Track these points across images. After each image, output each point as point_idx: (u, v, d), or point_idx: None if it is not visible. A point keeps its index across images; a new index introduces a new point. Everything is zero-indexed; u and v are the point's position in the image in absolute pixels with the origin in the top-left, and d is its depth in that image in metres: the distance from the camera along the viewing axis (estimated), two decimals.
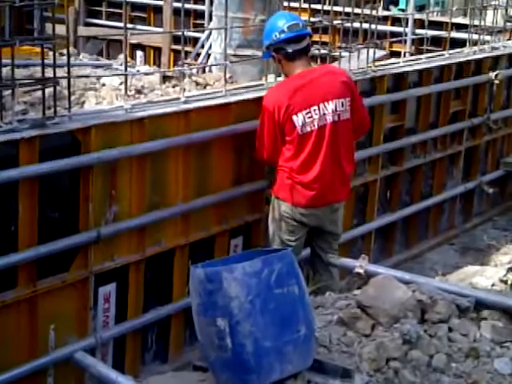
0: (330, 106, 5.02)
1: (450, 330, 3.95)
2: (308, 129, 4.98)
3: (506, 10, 9.33)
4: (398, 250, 7.26)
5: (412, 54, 8.28)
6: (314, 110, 4.98)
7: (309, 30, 5.15)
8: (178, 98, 5.14)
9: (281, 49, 5.05)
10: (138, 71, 7.74)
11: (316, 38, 6.64)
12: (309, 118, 4.97)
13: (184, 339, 5.32)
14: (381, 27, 7.41)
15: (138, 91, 7.26)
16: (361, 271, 4.54)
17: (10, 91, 4.22)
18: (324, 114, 5.00)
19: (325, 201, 5.15)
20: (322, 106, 5.00)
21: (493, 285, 4.93)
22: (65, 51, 5.31)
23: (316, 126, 4.98)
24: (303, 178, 5.04)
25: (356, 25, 6.54)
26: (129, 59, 8.38)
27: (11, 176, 4.10)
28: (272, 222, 5.25)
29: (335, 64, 6.32)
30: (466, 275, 5.50)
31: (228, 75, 5.75)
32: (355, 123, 5.21)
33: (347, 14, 6.80)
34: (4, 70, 4.15)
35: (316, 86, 5.03)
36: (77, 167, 4.42)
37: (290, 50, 5.02)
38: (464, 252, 7.59)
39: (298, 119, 4.96)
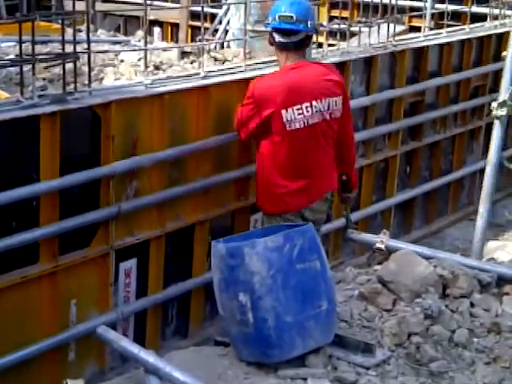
0: (322, 104, 4.69)
1: (472, 305, 3.94)
2: (297, 126, 4.65)
3: None
4: (418, 226, 7.23)
5: (431, 29, 8.17)
6: (306, 108, 4.65)
7: (301, 26, 4.63)
8: (198, 74, 5.12)
9: (271, 35, 4.75)
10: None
11: (335, 13, 6.60)
12: (299, 114, 4.64)
13: (204, 314, 5.33)
14: (400, 2, 7.31)
15: (157, 67, 7.27)
16: (381, 246, 4.52)
17: (29, 67, 4.22)
18: (315, 112, 4.67)
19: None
20: (314, 103, 4.67)
21: None
22: (82, 28, 5.31)
23: (307, 124, 4.66)
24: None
25: None
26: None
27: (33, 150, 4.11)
28: None
29: (353, 40, 6.26)
30: (487, 251, 5.48)
31: (247, 51, 5.72)
32: (340, 129, 4.86)
33: None
34: (23, 46, 4.14)
35: (309, 82, 4.68)
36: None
37: (277, 40, 4.72)
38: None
39: (287, 114, 4.61)
